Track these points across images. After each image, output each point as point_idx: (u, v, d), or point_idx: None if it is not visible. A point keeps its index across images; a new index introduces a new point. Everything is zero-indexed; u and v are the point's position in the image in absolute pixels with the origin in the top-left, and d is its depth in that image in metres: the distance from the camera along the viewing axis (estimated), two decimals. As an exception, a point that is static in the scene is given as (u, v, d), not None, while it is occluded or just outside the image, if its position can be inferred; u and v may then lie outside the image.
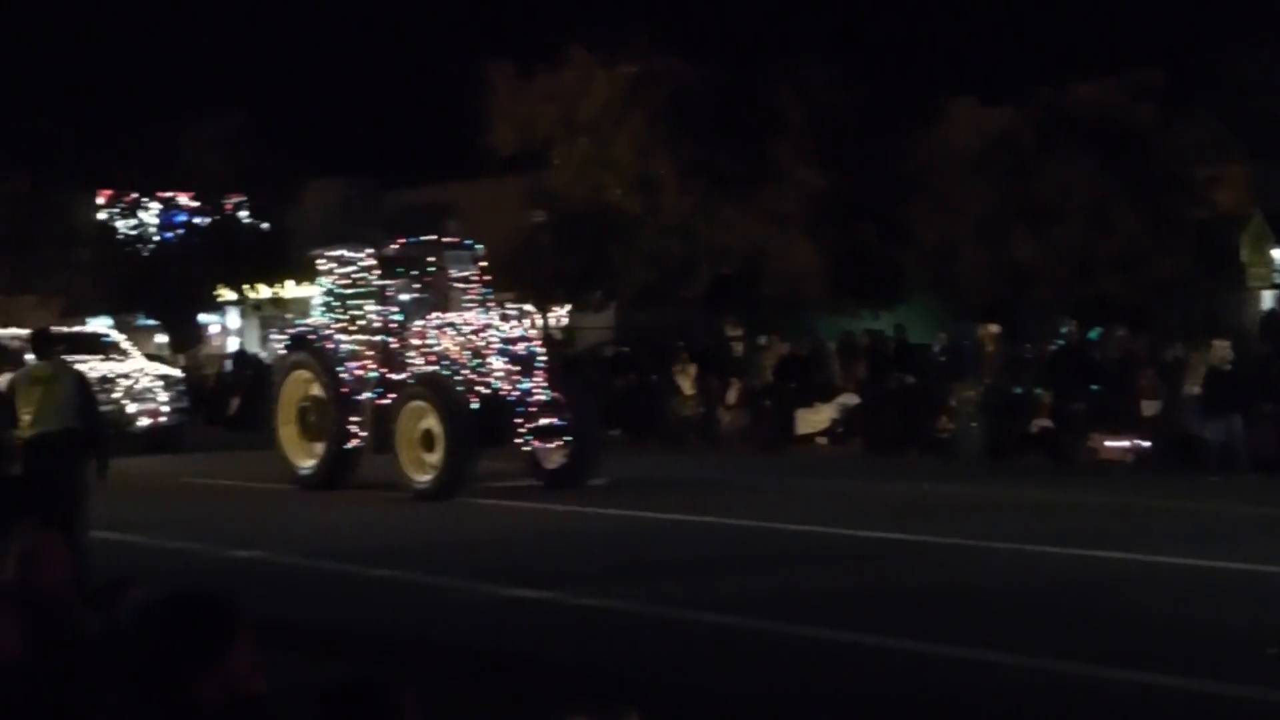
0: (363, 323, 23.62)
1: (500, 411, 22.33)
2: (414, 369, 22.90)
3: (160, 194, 45.42)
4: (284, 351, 25.44)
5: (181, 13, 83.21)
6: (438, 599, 14.07)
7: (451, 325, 23.10)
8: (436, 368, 22.72)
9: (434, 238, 25.64)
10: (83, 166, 46.07)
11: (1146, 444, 26.51)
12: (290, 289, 46.82)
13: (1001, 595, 13.77)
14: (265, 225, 45.70)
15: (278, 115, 75.74)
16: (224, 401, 39.14)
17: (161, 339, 47.45)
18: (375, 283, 23.73)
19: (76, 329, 37.01)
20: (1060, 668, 10.64)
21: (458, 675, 10.44)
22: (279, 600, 12.79)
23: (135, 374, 31.66)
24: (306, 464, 23.81)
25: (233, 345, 49.73)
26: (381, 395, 22.84)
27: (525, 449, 22.95)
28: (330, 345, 23.65)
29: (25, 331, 29.85)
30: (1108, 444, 26.75)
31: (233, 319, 51.98)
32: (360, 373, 23.29)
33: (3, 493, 7.35)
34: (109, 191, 45.94)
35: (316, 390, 23.73)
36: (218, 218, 45.68)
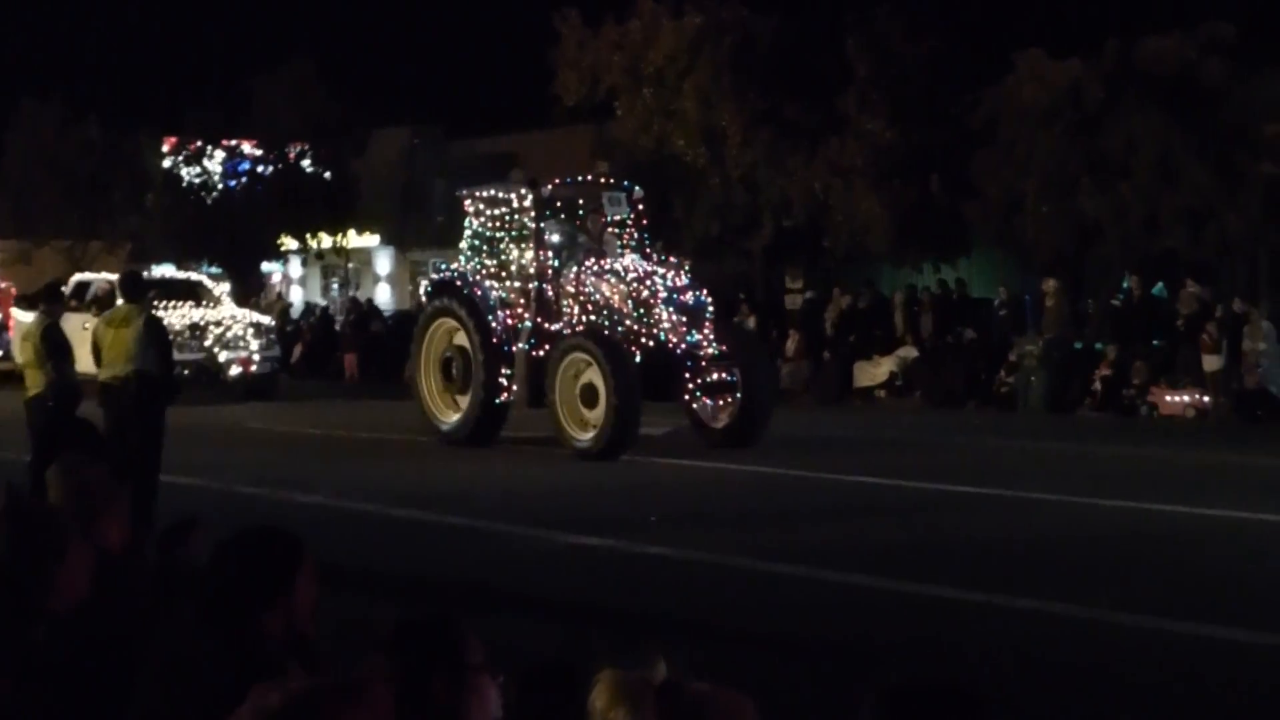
0: (514, 268, 22.26)
1: (667, 365, 20.84)
2: (570, 318, 21.58)
3: (225, 141, 45.58)
4: (425, 298, 24.01)
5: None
6: (493, 544, 14.20)
7: (613, 272, 21.57)
8: (596, 318, 21.32)
9: (589, 178, 23.52)
10: (153, 113, 46.33)
11: (1207, 399, 26.39)
12: (353, 238, 46.99)
13: (1060, 548, 13.75)
14: (328, 174, 45.79)
15: (345, 64, 75.80)
16: (288, 350, 39.35)
17: (225, 287, 47.68)
18: (529, 225, 22.33)
19: (171, 275, 37.33)
20: (1116, 619, 10.65)
21: (497, 616, 10.53)
22: (335, 544, 12.93)
23: (227, 321, 31.69)
24: (450, 418, 22.45)
25: (295, 294, 49.97)
26: (536, 346, 21.44)
27: (693, 405, 21.49)
28: (478, 292, 22.23)
29: (116, 276, 30.09)
30: (1169, 399, 26.63)
31: (295, 268, 52.21)
32: (511, 322, 21.90)
33: (63, 433, 7.48)
34: (174, 139, 46.15)
35: (462, 340, 22.29)
36: (281, 166, 45.81)
